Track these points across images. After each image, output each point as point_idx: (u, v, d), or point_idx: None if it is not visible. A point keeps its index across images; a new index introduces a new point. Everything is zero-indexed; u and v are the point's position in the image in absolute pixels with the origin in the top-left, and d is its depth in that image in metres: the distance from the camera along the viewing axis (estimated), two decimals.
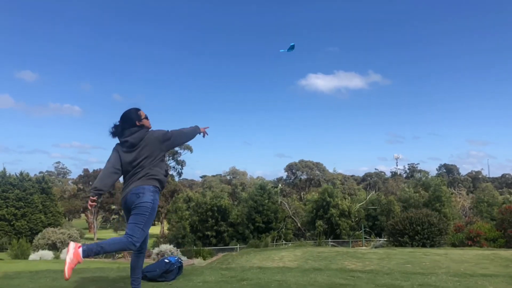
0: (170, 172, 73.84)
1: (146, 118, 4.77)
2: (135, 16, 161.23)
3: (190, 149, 66.80)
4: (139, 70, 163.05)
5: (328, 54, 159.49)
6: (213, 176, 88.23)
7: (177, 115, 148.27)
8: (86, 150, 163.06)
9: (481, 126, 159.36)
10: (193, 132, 4.83)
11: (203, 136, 4.98)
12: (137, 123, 4.61)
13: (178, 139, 4.66)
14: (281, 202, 43.02)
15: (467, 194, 69.69)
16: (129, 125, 4.58)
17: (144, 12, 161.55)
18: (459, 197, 64.45)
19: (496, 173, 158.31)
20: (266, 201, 39.08)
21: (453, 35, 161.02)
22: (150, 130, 4.64)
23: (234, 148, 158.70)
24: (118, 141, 4.74)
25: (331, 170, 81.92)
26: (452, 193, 65.55)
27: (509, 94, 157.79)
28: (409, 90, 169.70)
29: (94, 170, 71.72)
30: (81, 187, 72.11)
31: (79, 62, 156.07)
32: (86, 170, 71.85)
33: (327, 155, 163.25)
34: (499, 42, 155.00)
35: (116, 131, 4.64)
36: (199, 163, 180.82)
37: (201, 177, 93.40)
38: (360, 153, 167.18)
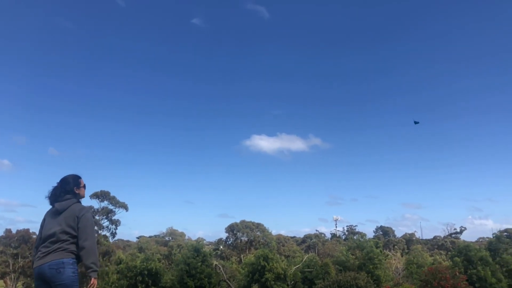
0: (103, 232, 70.10)
1: (84, 187, 4.99)
2: (75, 70, 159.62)
3: (125, 207, 64.14)
4: (77, 124, 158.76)
5: (273, 117, 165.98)
6: (150, 237, 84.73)
7: (116, 172, 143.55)
8: (13, 208, 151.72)
9: (414, 190, 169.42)
10: (92, 251, 4.57)
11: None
12: (75, 190, 4.84)
13: (81, 231, 4.58)
14: (215, 265, 41.92)
15: (402, 256, 71.92)
16: (66, 190, 4.77)
17: (82, 65, 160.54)
18: (394, 259, 66.28)
19: (429, 235, 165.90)
20: (200, 263, 37.93)
21: (386, 106, 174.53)
22: (76, 203, 4.77)
23: (175, 207, 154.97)
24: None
25: (272, 231, 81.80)
26: (387, 255, 67.47)
27: (439, 160, 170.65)
28: (346, 154, 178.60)
29: (18, 230, 66.16)
30: (1, 249, 65.88)
31: (13, 114, 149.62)
32: (8, 231, 65.96)
33: (270, 216, 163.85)
34: (431, 109, 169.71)
35: (54, 194, 4.76)
36: (137, 223, 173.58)
37: (137, 237, 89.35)
38: (302, 214, 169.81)
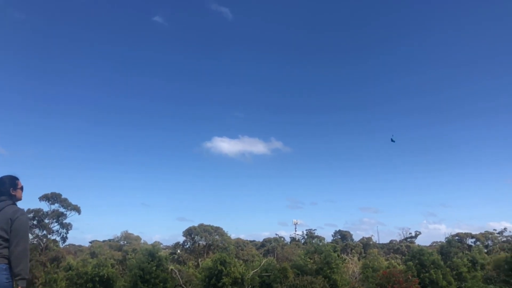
0: (53, 237, 67.49)
1: (21, 189, 4.83)
2: (25, 65, 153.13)
3: (77, 210, 62.05)
4: (27, 122, 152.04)
5: (235, 118, 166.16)
6: (104, 241, 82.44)
7: (68, 173, 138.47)
8: None
9: (372, 195, 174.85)
10: (23, 258, 4.34)
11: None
12: (11, 191, 4.64)
13: (13, 235, 4.37)
14: (171, 270, 41.33)
15: (358, 260, 73.75)
16: (1, 191, 4.57)
17: (33, 60, 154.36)
18: (351, 263, 67.87)
19: (385, 239, 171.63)
20: (154, 268, 37.24)
21: (346, 115, 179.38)
22: (11, 205, 4.56)
23: (131, 210, 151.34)
24: None
25: (231, 235, 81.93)
26: (345, 259, 68.97)
27: (396, 166, 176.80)
28: (307, 158, 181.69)
29: None
30: None
31: None
32: None
33: (230, 219, 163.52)
34: (389, 119, 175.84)
35: None
36: (90, 227, 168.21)
37: (90, 242, 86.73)
38: (262, 217, 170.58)
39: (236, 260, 46.43)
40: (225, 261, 40.33)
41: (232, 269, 40.29)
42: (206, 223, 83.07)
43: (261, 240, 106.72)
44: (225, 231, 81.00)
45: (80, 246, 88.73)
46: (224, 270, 39.37)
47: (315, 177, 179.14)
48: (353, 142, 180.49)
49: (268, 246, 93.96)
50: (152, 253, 39.27)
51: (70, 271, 40.35)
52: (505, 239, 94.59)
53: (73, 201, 60.71)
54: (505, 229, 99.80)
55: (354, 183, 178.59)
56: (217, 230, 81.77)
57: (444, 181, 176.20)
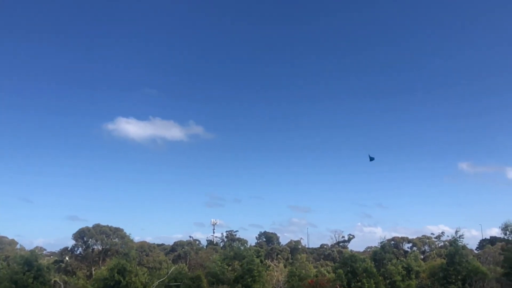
0: None
1: None
2: None
3: None
4: None
5: (144, 96, 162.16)
6: None
7: None
8: None
9: (304, 192, 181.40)
10: None
11: None
12: None
13: None
14: (54, 282, 40.00)
15: (285, 267, 76.42)
16: None
17: None
18: (276, 270, 70.11)
19: (316, 243, 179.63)
20: (31, 280, 35.80)
21: (276, 110, 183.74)
22: None
23: (5, 207, 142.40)
24: None
25: (135, 238, 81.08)
26: (269, 266, 71.04)
27: (330, 162, 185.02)
28: (233, 146, 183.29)
29: None
30: None
31: None
32: None
33: (134, 219, 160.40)
34: (322, 116, 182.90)
35: None
36: None
37: None
38: (174, 217, 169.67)
39: (138, 268, 46.00)
40: (124, 269, 39.85)
41: (133, 279, 39.98)
42: (103, 223, 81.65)
43: (171, 243, 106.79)
44: (127, 233, 79.93)
45: None
46: (122, 280, 38.91)
47: (241, 170, 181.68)
48: (284, 135, 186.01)
49: (180, 251, 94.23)
50: (30, 261, 37.68)
51: None
52: (442, 243, 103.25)
53: None
54: (442, 233, 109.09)
55: (284, 178, 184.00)
56: (117, 232, 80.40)
57: (382, 179, 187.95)
